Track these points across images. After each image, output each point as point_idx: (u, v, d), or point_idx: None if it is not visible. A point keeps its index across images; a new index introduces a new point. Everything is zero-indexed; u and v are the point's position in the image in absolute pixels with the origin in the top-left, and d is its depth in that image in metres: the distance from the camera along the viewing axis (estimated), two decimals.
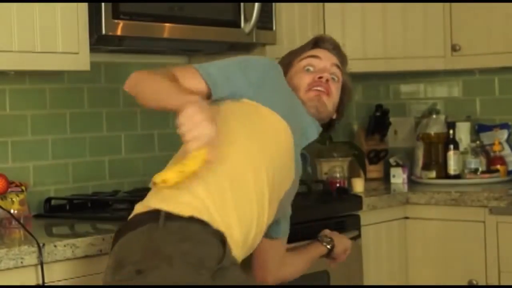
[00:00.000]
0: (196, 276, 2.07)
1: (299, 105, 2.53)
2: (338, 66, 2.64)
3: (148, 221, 2.15)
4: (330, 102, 2.60)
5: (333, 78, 2.61)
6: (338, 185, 3.62)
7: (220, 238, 2.16)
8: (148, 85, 2.23)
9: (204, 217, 2.15)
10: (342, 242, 2.89)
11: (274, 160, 2.32)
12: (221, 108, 2.33)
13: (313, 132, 2.55)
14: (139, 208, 2.24)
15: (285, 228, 2.60)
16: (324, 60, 2.62)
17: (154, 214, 2.15)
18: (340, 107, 2.67)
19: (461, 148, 4.12)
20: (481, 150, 4.14)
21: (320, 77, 2.58)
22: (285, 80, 2.56)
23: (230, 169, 2.23)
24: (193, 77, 2.34)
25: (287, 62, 2.64)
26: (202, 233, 2.14)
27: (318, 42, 2.67)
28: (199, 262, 2.09)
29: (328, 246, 2.83)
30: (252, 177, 2.25)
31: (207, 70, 2.36)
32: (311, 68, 2.61)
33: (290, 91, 2.54)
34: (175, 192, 2.17)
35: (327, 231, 2.87)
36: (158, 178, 2.07)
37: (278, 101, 2.40)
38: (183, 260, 2.07)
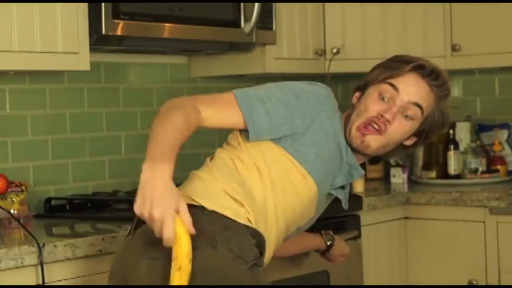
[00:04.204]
0: (235, 264, 2.11)
1: (342, 149, 2.39)
2: (418, 105, 2.39)
3: (193, 207, 2.18)
4: (381, 140, 2.39)
5: (405, 116, 2.39)
6: None
7: (259, 239, 2.22)
8: (160, 122, 2.12)
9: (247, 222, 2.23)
10: (341, 246, 2.91)
11: (292, 213, 2.34)
12: (263, 151, 2.30)
13: (347, 179, 2.44)
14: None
15: None
16: (402, 95, 2.38)
17: (199, 206, 2.20)
18: (419, 138, 2.48)
19: (461, 148, 4.12)
20: (481, 150, 4.14)
21: (382, 115, 2.37)
22: (336, 113, 2.39)
23: (265, 206, 2.28)
24: (231, 115, 2.26)
25: (374, 78, 2.43)
26: (244, 229, 2.20)
27: (416, 68, 2.40)
28: (240, 251, 2.14)
29: (328, 243, 2.85)
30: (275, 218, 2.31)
31: (251, 114, 2.26)
32: (385, 98, 2.38)
33: (334, 134, 2.37)
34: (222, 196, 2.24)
35: (331, 232, 2.89)
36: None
37: (312, 154, 2.32)
38: (225, 246, 2.12)
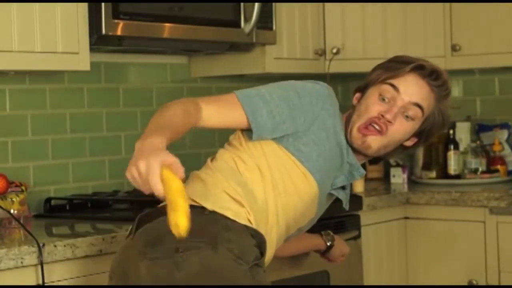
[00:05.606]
0: (236, 264, 2.11)
1: (342, 148, 2.40)
2: (418, 106, 2.40)
3: (193, 208, 2.16)
4: (382, 141, 2.40)
5: (406, 116, 2.40)
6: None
7: (259, 240, 2.22)
8: (158, 112, 2.13)
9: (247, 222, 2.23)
10: (341, 246, 2.92)
11: (293, 212, 2.35)
12: (265, 151, 2.30)
13: (348, 179, 2.45)
14: None
15: None
16: (403, 95, 2.39)
17: (199, 207, 2.20)
18: (420, 139, 2.49)
19: (461, 148, 4.12)
20: (481, 150, 4.14)
21: (383, 116, 2.38)
22: (337, 113, 2.39)
23: (266, 206, 2.29)
24: (234, 114, 2.27)
25: (375, 79, 2.43)
26: (244, 229, 2.20)
27: (416, 69, 2.41)
28: (240, 252, 2.14)
29: (328, 243, 2.86)
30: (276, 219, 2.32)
31: (255, 113, 2.26)
32: (385, 99, 2.39)
33: (335, 133, 2.37)
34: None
35: (330, 232, 2.90)
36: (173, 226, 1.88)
37: (314, 153, 2.33)
38: (226, 247, 2.12)
